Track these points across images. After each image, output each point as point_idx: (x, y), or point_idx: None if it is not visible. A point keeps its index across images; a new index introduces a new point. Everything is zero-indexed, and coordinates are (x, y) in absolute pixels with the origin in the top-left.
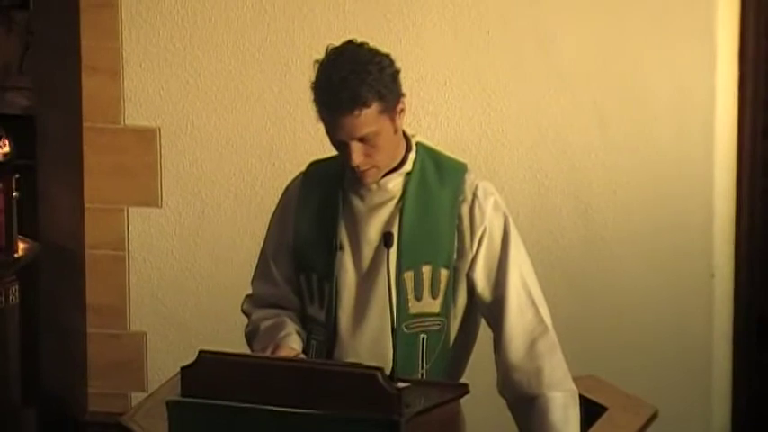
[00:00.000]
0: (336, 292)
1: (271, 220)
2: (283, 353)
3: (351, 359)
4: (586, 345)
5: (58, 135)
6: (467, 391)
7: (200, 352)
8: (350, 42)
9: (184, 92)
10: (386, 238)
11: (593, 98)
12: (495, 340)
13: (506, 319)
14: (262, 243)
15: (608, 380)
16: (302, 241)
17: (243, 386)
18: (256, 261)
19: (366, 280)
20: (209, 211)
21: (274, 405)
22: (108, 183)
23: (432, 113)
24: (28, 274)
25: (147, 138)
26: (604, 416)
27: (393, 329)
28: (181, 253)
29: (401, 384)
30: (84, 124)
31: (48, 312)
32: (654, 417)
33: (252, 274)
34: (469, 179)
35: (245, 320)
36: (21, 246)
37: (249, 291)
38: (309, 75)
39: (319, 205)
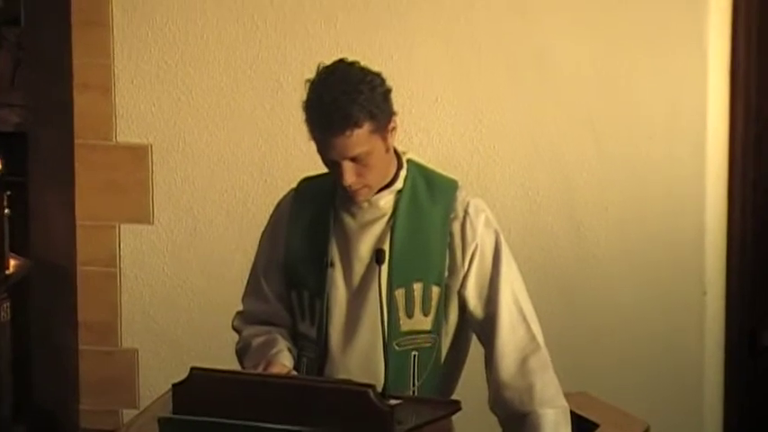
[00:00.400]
0: (327, 308)
1: (261, 237)
2: (275, 370)
3: (342, 376)
4: (578, 361)
5: (49, 152)
6: (458, 408)
7: (192, 369)
8: (341, 61)
9: (176, 109)
10: (378, 255)
11: (585, 115)
12: (486, 357)
13: (498, 337)
14: (250, 261)
15: (600, 396)
16: (293, 258)
17: (234, 403)
18: (247, 277)
19: (357, 297)
20: (201, 228)
21: (266, 422)
22: (100, 199)
23: (423, 130)
24: (19, 290)
25: (139, 154)
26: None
27: (384, 346)
28: (172, 270)
29: (393, 401)
30: (76, 141)
31: (39, 329)
32: None
33: (241, 291)
34: (461, 196)
35: (237, 337)
36: (12, 262)
37: (240, 307)
38: (301, 91)
39: (310, 222)
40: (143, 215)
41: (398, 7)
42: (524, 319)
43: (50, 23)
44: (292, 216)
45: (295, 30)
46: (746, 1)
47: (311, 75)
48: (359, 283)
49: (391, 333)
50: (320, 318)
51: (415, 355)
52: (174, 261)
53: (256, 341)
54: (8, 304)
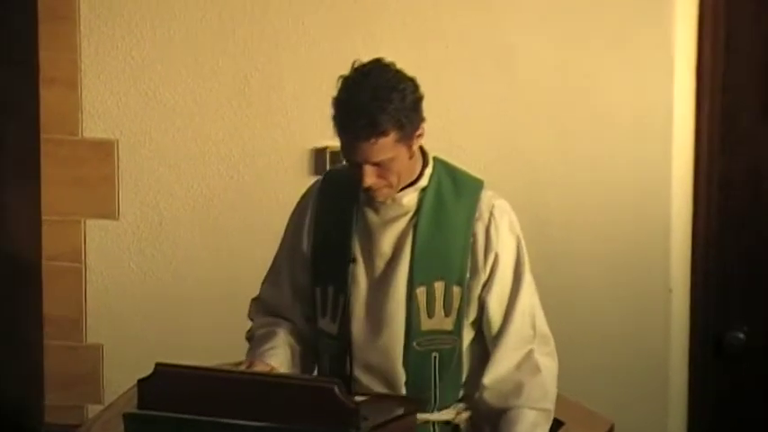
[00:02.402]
0: (349, 305)
1: (287, 226)
2: (257, 368)
3: (362, 373)
4: None
5: (15, 146)
6: (423, 407)
7: (157, 364)
8: (377, 62)
9: (143, 104)
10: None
11: (552, 114)
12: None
13: (504, 343)
14: (220, 256)
15: (564, 394)
16: (317, 252)
17: (200, 399)
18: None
19: (378, 294)
20: (167, 224)
21: (232, 418)
22: (65, 194)
23: None
24: None
25: (105, 150)
26: (561, 430)
27: (405, 346)
28: (138, 265)
29: (358, 398)
30: (42, 136)
31: (4, 324)
32: (610, 431)
33: (209, 288)
34: (486, 197)
35: (202, 333)
36: None
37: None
38: (268, 88)
39: (335, 216)
40: (108, 210)
41: (366, 4)
42: (533, 326)
43: (17, 18)
44: (317, 208)
45: (262, 26)
46: (713, 0)
47: (277, 71)
48: (380, 280)
49: (411, 332)
50: (342, 314)
51: (435, 357)
52: (139, 257)
53: (258, 333)
54: None
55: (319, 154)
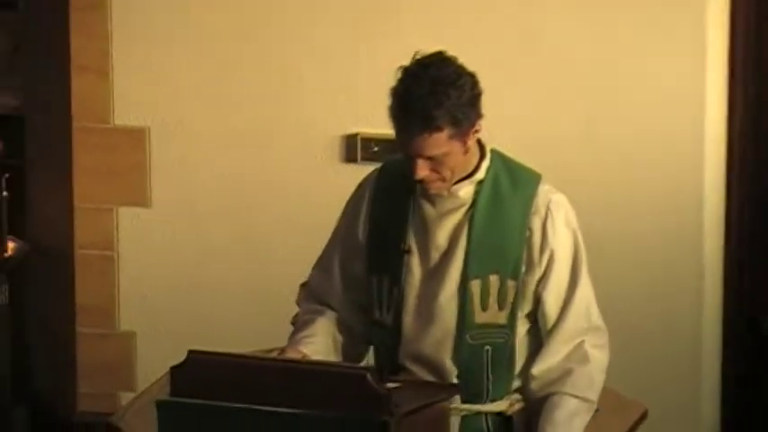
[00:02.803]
0: (403, 296)
1: (342, 213)
2: (289, 355)
3: (412, 364)
4: None
5: (47, 135)
6: (457, 392)
7: (190, 352)
8: (438, 54)
9: (174, 92)
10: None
11: (582, 98)
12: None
13: (558, 334)
14: (251, 243)
15: None
16: (372, 241)
17: (232, 386)
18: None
19: (432, 285)
20: (199, 211)
21: (264, 405)
22: (97, 182)
23: None
24: (18, 274)
25: (137, 137)
26: (594, 415)
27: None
28: (170, 253)
29: (391, 384)
30: (74, 124)
31: (37, 312)
32: (644, 417)
33: (241, 275)
34: (543, 191)
35: (234, 320)
36: (10, 245)
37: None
38: (298, 73)
39: (391, 206)
40: (141, 198)
41: None
42: (588, 320)
43: (48, 7)
44: (374, 197)
45: (293, 13)
46: None
47: (306, 56)
48: (435, 272)
49: (464, 324)
50: (396, 304)
51: (488, 350)
52: (171, 244)
53: (301, 320)
54: (7, 287)
55: (350, 141)
